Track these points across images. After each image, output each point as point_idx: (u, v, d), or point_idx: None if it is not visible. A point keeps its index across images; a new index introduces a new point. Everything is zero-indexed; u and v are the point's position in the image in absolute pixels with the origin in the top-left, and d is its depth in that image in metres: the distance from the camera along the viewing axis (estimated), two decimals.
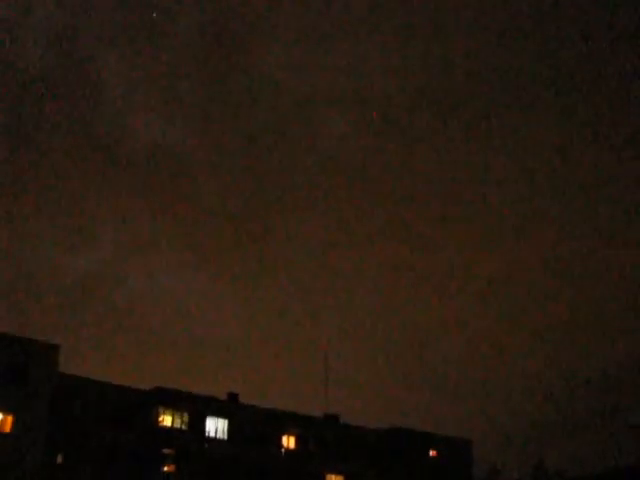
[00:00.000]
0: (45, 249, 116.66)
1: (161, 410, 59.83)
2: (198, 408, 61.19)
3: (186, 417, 60.65)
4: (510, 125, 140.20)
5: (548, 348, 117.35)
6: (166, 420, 60.05)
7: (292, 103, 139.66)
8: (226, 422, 62.24)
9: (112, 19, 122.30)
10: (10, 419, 52.53)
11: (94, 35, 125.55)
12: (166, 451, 58.93)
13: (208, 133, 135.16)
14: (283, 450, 64.33)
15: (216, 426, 61.92)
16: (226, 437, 61.86)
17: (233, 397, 64.50)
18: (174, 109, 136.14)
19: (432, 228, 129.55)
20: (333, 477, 65.97)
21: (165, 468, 58.69)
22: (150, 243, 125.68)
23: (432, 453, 69.77)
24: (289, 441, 65.05)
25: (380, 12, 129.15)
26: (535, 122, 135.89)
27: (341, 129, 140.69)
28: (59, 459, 54.58)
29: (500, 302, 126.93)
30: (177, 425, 60.30)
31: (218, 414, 62.08)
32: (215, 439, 61.47)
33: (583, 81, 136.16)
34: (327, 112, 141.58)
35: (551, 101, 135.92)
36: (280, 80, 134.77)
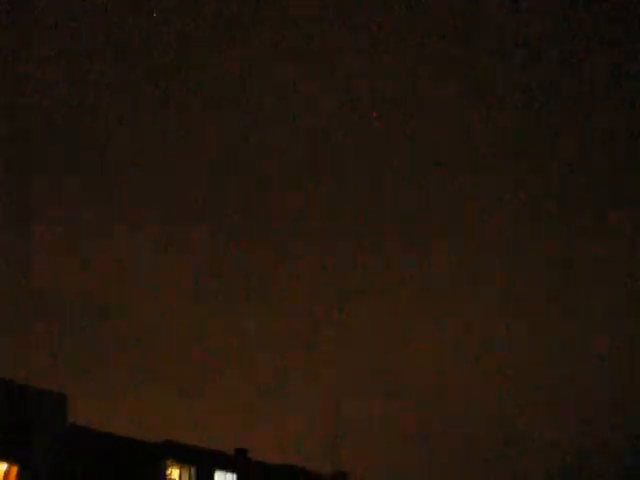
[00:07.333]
0: None
1: (169, 464, 59.64)
2: (206, 462, 60.99)
3: (194, 471, 60.46)
4: None
5: None
6: (174, 473, 59.77)
7: None
8: (234, 476, 61.98)
9: None
10: (15, 470, 52.92)
11: None
12: None
13: None
14: None
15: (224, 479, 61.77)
16: None
17: (241, 452, 64.31)
18: None
19: None
20: None
21: None
22: None
23: None
24: None
25: None
26: None
27: None
28: None
29: None
30: (185, 479, 60.07)
31: (226, 468, 61.87)
32: None
33: None
34: None
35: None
36: None
